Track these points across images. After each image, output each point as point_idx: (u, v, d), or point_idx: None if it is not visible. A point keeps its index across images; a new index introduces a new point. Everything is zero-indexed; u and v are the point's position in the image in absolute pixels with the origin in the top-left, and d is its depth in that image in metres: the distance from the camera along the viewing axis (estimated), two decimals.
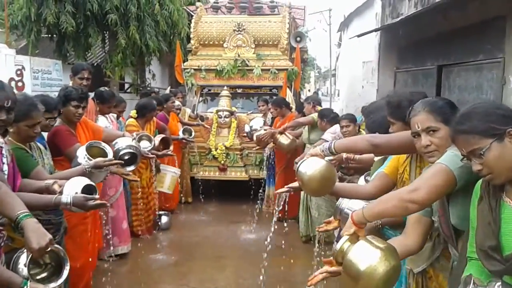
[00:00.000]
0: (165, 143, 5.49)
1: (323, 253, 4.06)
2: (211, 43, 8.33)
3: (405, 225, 2.09)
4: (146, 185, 5.66)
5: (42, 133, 3.42)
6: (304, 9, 11.54)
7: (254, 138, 6.18)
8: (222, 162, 7.21)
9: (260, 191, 7.00)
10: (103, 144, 3.20)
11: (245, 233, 6.16)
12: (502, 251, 1.51)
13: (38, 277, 2.01)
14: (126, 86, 14.92)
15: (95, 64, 12.92)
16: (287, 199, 2.68)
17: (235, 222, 6.61)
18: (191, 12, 10.76)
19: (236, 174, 7.27)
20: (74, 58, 10.60)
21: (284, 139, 5.81)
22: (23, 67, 7.87)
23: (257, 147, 6.63)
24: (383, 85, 10.59)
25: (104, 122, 4.63)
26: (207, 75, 8.04)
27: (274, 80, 7.98)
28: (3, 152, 2.23)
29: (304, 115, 6.06)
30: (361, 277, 1.68)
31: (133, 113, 5.52)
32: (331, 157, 2.33)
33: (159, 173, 5.89)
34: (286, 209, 3.21)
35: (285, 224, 4.76)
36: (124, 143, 3.91)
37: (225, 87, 7.71)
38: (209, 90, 8.41)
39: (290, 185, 2.49)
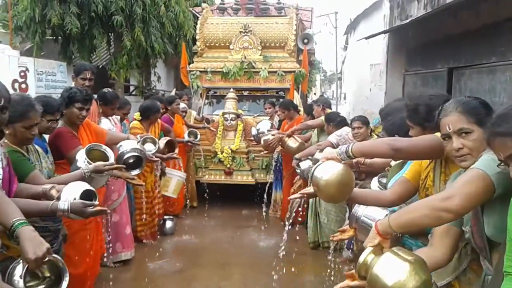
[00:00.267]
0: (170, 146, 5.37)
1: (332, 259, 3.93)
2: (217, 45, 8.22)
3: (429, 234, 1.93)
4: (151, 189, 5.52)
5: (44, 135, 3.31)
6: (312, 10, 11.41)
7: (262, 142, 6.05)
8: (228, 165, 7.07)
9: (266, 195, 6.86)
10: (104, 147, 3.05)
11: (251, 239, 6.01)
12: None
13: None
14: (131, 88, 14.84)
15: (100, 66, 12.84)
16: (301, 205, 2.53)
17: (242, 227, 6.46)
18: (197, 14, 10.68)
19: (242, 178, 7.13)
20: (79, 60, 10.50)
21: (293, 143, 5.67)
22: (27, 69, 7.80)
23: (265, 152, 6.49)
24: (391, 88, 10.45)
25: (107, 125, 4.50)
26: (213, 77, 7.94)
27: (281, 83, 7.86)
28: None
29: (313, 118, 5.91)
30: None
31: (137, 115, 5.40)
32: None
33: (165, 176, 5.76)
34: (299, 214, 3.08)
35: (287, 228, 4.53)
36: (129, 146, 3.79)
37: (231, 90, 7.58)
38: (215, 92, 8.28)
39: (304, 190, 2.34)
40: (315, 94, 30.51)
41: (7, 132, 2.41)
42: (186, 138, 6.52)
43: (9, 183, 2.18)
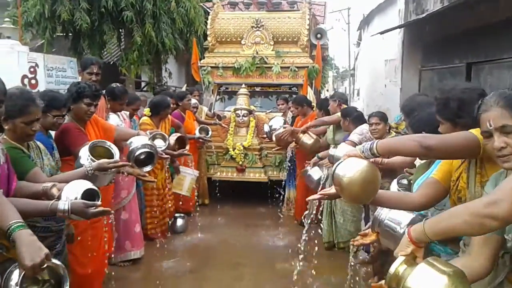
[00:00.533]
0: (180, 142, 5.23)
1: (351, 261, 3.75)
2: (228, 40, 8.11)
3: (460, 241, 1.76)
4: (162, 187, 5.39)
5: (50, 132, 3.19)
6: (325, 5, 11.21)
7: (273, 138, 5.89)
8: (240, 162, 6.93)
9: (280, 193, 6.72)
10: (108, 143, 2.91)
11: (264, 238, 5.85)
12: None
13: None
14: (143, 84, 14.77)
15: (111, 62, 12.78)
16: (321, 206, 2.35)
17: (254, 225, 6.32)
18: (207, 9, 10.53)
19: (254, 175, 6.99)
20: (90, 56, 10.42)
21: (307, 139, 5.50)
22: (36, 65, 7.72)
23: (277, 147, 6.32)
24: (407, 83, 10.25)
25: (116, 120, 4.36)
26: (224, 73, 7.83)
27: (293, 78, 7.71)
28: None
29: (327, 114, 5.71)
30: None
31: (147, 111, 5.27)
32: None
33: (178, 175, 5.64)
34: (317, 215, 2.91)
35: (306, 228, 4.37)
36: (140, 142, 3.68)
37: (243, 85, 7.45)
38: (227, 88, 8.14)
39: (324, 191, 2.17)
40: (327, 90, 30.23)
41: (6, 127, 2.28)
42: (197, 134, 6.38)
43: (7, 181, 2.05)
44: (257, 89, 8.04)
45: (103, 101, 4.21)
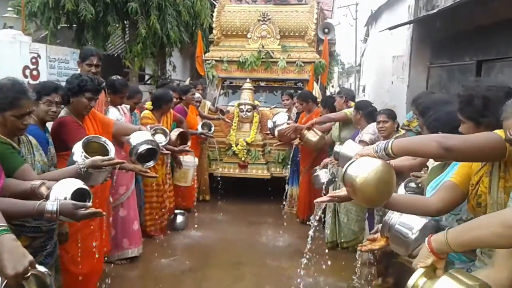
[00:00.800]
0: (182, 137, 5.13)
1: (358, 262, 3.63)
2: (234, 33, 7.97)
3: (479, 249, 1.62)
4: (162, 182, 5.27)
5: (46, 126, 3.07)
6: None
7: (276, 133, 5.75)
8: (243, 158, 6.80)
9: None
10: (104, 139, 2.77)
11: (266, 236, 5.73)
12: None
13: None
14: (146, 77, 14.64)
15: (115, 55, 12.65)
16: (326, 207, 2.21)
17: (256, 223, 6.20)
18: (214, 2, 10.38)
19: (257, 171, 6.86)
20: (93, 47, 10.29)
21: (312, 136, 5.37)
22: (38, 55, 7.60)
23: (279, 143, 6.18)
24: (414, 80, 10.10)
25: (115, 114, 4.23)
26: (229, 66, 7.70)
27: (299, 73, 7.58)
28: None
29: (333, 112, 5.54)
30: None
31: (149, 104, 5.14)
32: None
33: (181, 168, 5.51)
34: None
35: (313, 229, 4.21)
36: (142, 137, 3.56)
37: (248, 80, 7.30)
38: (231, 82, 8.03)
39: (334, 193, 2.03)
40: (332, 87, 30.02)
41: None
42: (200, 130, 6.26)
43: None
44: (262, 84, 7.92)
45: (103, 94, 4.08)
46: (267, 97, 7.98)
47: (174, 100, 5.65)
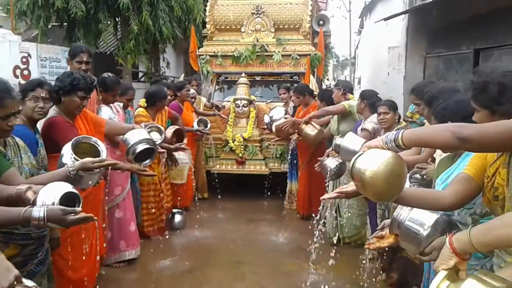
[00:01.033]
0: (178, 135, 5.01)
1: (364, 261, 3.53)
2: (227, 27, 7.84)
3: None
4: (158, 181, 5.15)
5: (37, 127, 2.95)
6: None
7: (273, 128, 5.63)
8: (240, 154, 6.69)
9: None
10: (94, 139, 2.65)
11: (266, 234, 5.62)
12: None
13: None
14: (140, 75, 14.48)
15: (108, 52, 12.48)
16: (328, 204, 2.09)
17: (255, 220, 6.09)
18: None
19: (255, 167, 6.74)
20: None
21: (311, 130, 5.25)
22: (29, 55, 7.49)
23: (277, 139, 6.06)
24: (411, 71, 10.02)
25: (108, 113, 4.10)
26: (223, 61, 7.57)
27: (295, 67, 7.46)
28: None
29: (331, 104, 5.41)
30: None
31: (142, 102, 5.01)
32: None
33: (176, 166, 5.40)
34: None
35: (317, 228, 4.08)
36: (138, 136, 3.47)
37: (243, 74, 7.18)
38: (226, 77, 7.91)
39: (341, 188, 1.91)
40: (327, 79, 29.88)
41: None
42: (196, 127, 6.14)
43: None
44: (258, 78, 7.81)
45: (94, 92, 3.94)
46: (263, 92, 7.87)
47: (169, 97, 5.52)
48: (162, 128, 4.48)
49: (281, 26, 7.65)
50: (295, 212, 6.34)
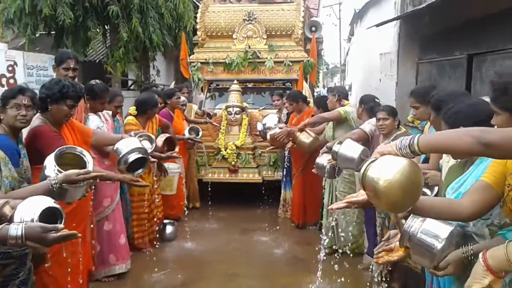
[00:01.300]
0: (169, 143, 4.87)
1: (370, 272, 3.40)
2: (219, 34, 7.76)
3: None
4: (149, 192, 4.99)
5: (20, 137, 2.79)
6: None
7: (268, 137, 5.51)
8: (233, 163, 6.57)
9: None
10: (79, 149, 2.49)
11: (261, 244, 5.49)
12: None
13: None
14: (130, 83, 14.32)
15: (97, 61, 12.32)
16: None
17: (249, 230, 5.95)
18: (197, 3, 10.14)
19: (248, 175, 6.63)
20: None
21: (305, 137, 5.14)
22: (15, 63, 7.31)
23: (271, 147, 5.92)
24: (403, 77, 9.95)
25: (96, 122, 3.95)
26: (215, 68, 7.47)
27: (287, 73, 7.39)
28: None
29: (324, 111, 5.31)
30: None
31: (132, 110, 4.87)
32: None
33: (166, 176, 5.25)
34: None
35: (324, 238, 3.93)
36: (130, 145, 3.37)
37: (235, 81, 7.09)
38: (217, 85, 7.82)
39: (351, 198, 1.76)
40: (318, 86, 29.91)
41: None
42: (187, 135, 6.00)
43: None
44: (250, 85, 7.75)
45: (82, 101, 3.79)
46: (256, 99, 7.78)
47: (159, 105, 5.38)
48: (153, 137, 4.33)
49: (273, 33, 7.59)
50: (289, 221, 6.22)
